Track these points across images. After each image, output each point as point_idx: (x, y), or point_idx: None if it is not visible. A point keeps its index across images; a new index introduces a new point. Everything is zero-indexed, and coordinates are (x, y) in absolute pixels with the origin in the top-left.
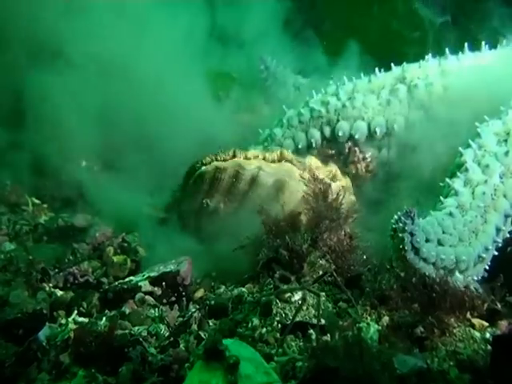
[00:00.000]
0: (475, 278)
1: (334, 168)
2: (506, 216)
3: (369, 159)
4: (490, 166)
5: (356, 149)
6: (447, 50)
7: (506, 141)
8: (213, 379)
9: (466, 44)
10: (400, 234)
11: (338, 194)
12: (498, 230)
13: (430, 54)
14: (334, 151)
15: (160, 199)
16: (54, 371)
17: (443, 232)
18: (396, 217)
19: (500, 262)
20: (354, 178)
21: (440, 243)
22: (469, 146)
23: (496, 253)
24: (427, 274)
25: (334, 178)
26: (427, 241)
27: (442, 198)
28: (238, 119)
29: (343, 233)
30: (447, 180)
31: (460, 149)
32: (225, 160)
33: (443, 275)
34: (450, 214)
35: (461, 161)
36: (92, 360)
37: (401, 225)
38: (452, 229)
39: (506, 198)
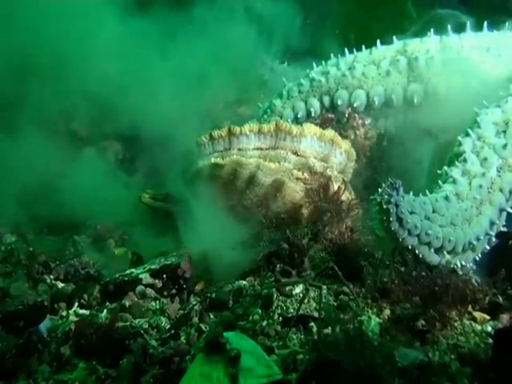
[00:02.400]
0: (463, 264)
1: (332, 132)
2: (501, 210)
3: (368, 126)
4: (489, 159)
5: (355, 115)
6: (449, 27)
7: (504, 132)
8: (214, 372)
9: (467, 23)
10: (385, 206)
11: (338, 187)
12: (492, 223)
13: (432, 31)
14: (333, 115)
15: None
16: (55, 363)
17: (434, 211)
18: (380, 189)
19: (502, 255)
20: (352, 144)
21: (429, 220)
22: (468, 134)
23: (492, 246)
24: (411, 246)
25: (333, 143)
26: (412, 213)
27: (440, 182)
28: (235, 111)
29: (344, 226)
30: (445, 168)
31: (459, 138)
32: (220, 136)
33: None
34: (446, 197)
35: (459, 150)
36: (93, 352)
37: (386, 197)
38: (445, 210)
39: (502, 193)
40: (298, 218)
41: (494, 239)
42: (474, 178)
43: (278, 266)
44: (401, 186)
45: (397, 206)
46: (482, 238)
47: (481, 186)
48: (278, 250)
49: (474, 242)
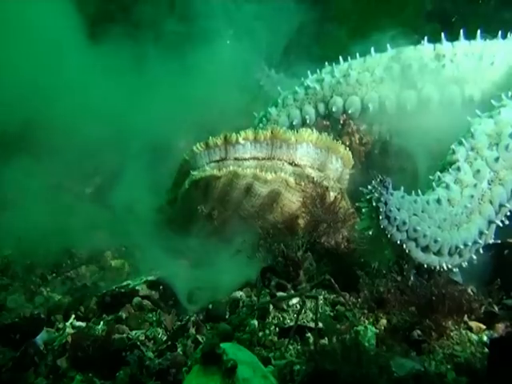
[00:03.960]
0: (449, 267)
1: (328, 137)
2: (490, 222)
3: (363, 132)
4: (481, 172)
5: (350, 121)
6: (443, 35)
7: (497, 144)
8: (210, 383)
9: (461, 31)
10: (374, 204)
11: (335, 197)
12: (481, 232)
13: (425, 38)
14: (328, 123)
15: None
16: (52, 376)
17: (423, 211)
18: (370, 186)
19: (497, 265)
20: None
21: (418, 218)
22: (461, 143)
23: (488, 256)
24: (400, 241)
25: (329, 150)
26: (401, 209)
27: (434, 185)
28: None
29: (341, 236)
30: (438, 173)
31: (453, 146)
32: (216, 145)
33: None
34: (438, 200)
35: (453, 158)
36: (89, 364)
37: (376, 195)
38: (434, 213)
39: (492, 205)
40: (294, 228)
41: (481, 250)
42: (466, 188)
43: (273, 280)
44: (390, 184)
45: (386, 204)
46: (469, 244)
47: (472, 196)
48: (273, 265)
49: (461, 247)
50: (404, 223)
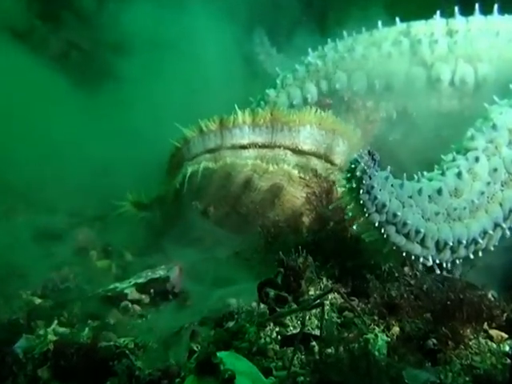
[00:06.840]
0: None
1: (333, 118)
2: (496, 224)
3: (369, 109)
4: (498, 171)
5: (355, 98)
6: (456, 9)
7: None
8: None
9: (476, 5)
10: (358, 174)
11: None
12: (485, 232)
13: (438, 13)
14: (331, 101)
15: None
16: None
17: (411, 197)
18: (356, 156)
19: None
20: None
21: (402, 204)
22: (480, 130)
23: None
24: (378, 223)
25: (335, 132)
26: (382, 190)
27: (445, 167)
28: None
29: (349, 235)
30: (455, 154)
31: (471, 132)
32: (211, 130)
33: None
34: (439, 191)
35: (470, 145)
36: (73, 374)
37: (362, 165)
38: (426, 203)
39: (501, 208)
40: (298, 226)
41: (480, 253)
42: (478, 181)
43: (272, 293)
44: (378, 159)
45: (370, 178)
46: (463, 242)
47: (482, 193)
48: (271, 277)
49: (451, 243)
50: (384, 206)
